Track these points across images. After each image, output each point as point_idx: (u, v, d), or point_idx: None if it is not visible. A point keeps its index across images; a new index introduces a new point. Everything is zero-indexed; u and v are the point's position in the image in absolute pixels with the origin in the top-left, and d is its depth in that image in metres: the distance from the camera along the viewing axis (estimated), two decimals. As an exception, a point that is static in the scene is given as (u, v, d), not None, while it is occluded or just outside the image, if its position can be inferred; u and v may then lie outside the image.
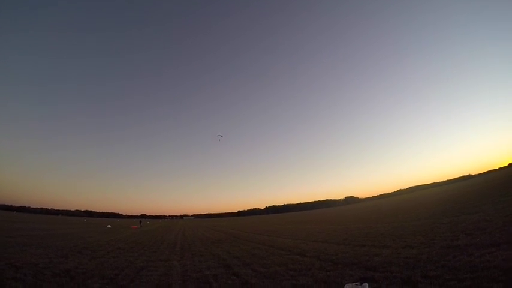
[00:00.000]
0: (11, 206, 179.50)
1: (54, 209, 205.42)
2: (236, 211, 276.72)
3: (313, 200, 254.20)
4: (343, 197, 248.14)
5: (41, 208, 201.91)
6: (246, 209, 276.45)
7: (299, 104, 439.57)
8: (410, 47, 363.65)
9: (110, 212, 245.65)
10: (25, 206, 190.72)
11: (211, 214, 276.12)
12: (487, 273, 5.91)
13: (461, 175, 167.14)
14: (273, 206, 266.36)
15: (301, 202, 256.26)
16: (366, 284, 6.15)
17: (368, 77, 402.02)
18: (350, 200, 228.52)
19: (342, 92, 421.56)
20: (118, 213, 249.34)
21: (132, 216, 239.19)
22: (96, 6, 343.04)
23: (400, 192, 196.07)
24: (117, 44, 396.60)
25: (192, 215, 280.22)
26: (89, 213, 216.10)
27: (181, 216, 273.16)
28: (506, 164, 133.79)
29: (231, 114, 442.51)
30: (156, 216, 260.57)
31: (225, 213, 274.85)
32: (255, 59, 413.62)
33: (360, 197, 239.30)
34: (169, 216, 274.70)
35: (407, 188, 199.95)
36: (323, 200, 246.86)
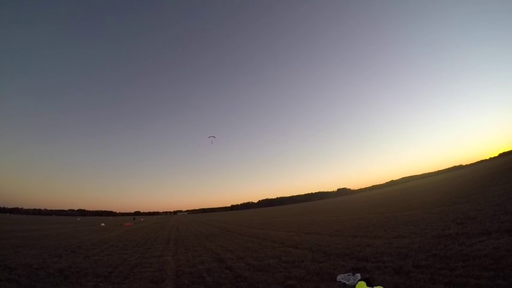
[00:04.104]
0: (4, 207, 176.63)
1: (47, 209, 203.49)
2: (229, 205, 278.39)
3: (306, 193, 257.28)
4: (335, 189, 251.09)
5: (34, 209, 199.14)
6: (239, 203, 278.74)
7: (291, 99, 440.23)
8: (401, 41, 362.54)
9: (103, 210, 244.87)
10: (18, 208, 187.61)
11: (204, 209, 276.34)
12: (478, 262, 5.91)
13: (452, 165, 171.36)
14: (266, 199, 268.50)
15: (294, 195, 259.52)
16: (358, 274, 6.11)
17: (361, 73, 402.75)
18: (342, 192, 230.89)
19: (334, 87, 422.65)
20: (111, 211, 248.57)
21: (125, 213, 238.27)
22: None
23: (392, 183, 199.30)
24: (113, 45, 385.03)
25: (186, 211, 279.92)
26: (82, 213, 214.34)
27: (175, 212, 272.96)
28: (497, 154, 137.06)
29: (223, 111, 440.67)
30: (149, 212, 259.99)
31: (219, 207, 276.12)
32: (245, 60, 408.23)
33: (352, 188, 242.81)
34: (163, 212, 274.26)
35: (399, 179, 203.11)
36: (316, 192, 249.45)
